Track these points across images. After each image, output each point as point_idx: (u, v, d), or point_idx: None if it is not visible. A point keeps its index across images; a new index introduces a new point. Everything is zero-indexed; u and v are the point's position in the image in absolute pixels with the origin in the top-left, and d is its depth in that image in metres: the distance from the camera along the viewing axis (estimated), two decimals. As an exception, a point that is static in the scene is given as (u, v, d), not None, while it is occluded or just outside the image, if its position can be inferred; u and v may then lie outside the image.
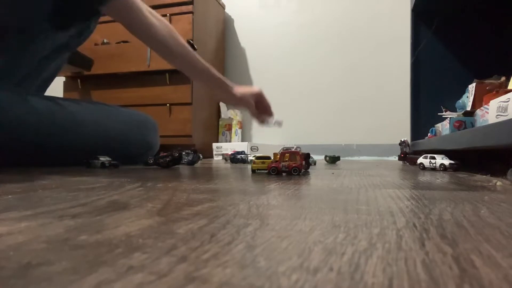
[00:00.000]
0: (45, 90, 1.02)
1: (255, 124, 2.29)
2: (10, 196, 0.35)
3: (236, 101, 0.92)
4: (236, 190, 0.42)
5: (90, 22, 0.84)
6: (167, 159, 0.90)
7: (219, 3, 2.20)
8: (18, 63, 0.85)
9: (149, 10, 0.82)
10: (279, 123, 0.95)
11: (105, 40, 1.90)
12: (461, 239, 0.19)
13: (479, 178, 0.61)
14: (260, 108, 0.94)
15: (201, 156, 1.35)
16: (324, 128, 2.12)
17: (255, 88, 0.95)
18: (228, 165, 1.16)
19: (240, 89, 0.92)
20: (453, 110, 1.10)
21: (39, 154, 0.86)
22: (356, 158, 2.02)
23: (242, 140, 2.20)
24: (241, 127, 2.24)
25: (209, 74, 0.89)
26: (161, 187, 0.44)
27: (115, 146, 0.97)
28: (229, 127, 2.15)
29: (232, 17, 2.33)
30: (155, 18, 0.82)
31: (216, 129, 2.17)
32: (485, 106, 0.75)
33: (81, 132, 0.90)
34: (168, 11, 1.81)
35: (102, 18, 2.06)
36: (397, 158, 1.45)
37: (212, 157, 1.92)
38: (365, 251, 0.17)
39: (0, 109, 0.77)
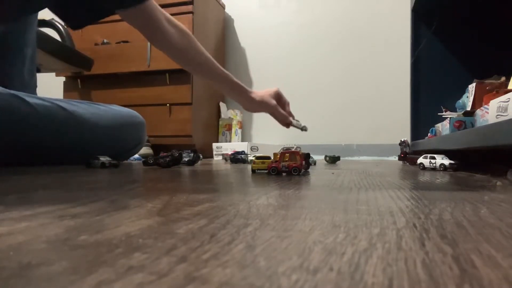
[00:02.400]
0: (34, 71, 1.06)
1: (255, 124, 2.29)
2: (10, 196, 0.35)
3: (257, 105, 0.89)
4: (236, 190, 0.42)
5: None
6: (167, 159, 0.90)
7: (219, 3, 2.20)
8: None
9: (168, 18, 0.80)
10: (304, 128, 0.91)
11: (105, 40, 1.90)
12: (461, 239, 0.19)
13: (479, 178, 0.61)
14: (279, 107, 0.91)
15: (201, 156, 1.35)
16: (324, 128, 2.12)
17: (272, 89, 0.92)
18: (228, 165, 1.16)
19: (258, 93, 0.90)
20: (453, 110, 1.10)
21: (38, 154, 0.88)
22: (356, 158, 2.02)
23: (242, 140, 2.20)
24: (241, 127, 2.24)
25: (228, 81, 0.88)
26: (161, 187, 0.44)
27: (110, 143, 1.02)
28: (229, 127, 2.15)
29: (232, 17, 2.33)
30: (174, 27, 0.80)
31: (216, 129, 2.16)
32: (485, 106, 0.75)
33: (79, 131, 0.94)
34: (168, 11, 1.79)
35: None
36: (397, 158, 1.45)
37: (212, 157, 1.92)
38: (365, 251, 0.17)
39: (4, 110, 0.78)
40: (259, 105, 0.89)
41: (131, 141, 1.12)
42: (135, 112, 1.15)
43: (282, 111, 0.88)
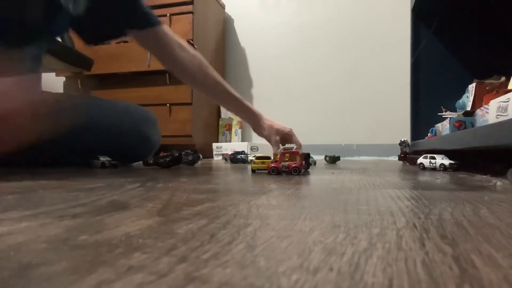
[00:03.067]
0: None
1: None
2: (10, 196, 0.35)
3: (262, 134, 0.90)
4: (236, 190, 0.42)
5: None
6: (167, 159, 0.90)
7: (219, 3, 2.20)
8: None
9: (179, 43, 0.81)
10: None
11: (105, 40, 1.90)
12: (461, 239, 0.19)
13: (479, 178, 0.60)
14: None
15: (201, 156, 1.35)
16: (324, 128, 2.12)
17: (285, 127, 0.89)
18: (228, 165, 1.16)
19: (268, 122, 0.90)
20: (453, 110, 1.10)
21: (38, 153, 0.86)
22: (356, 158, 2.02)
23: (242, 140, 2.20)
24: (241, 127, 2.24)
25: (239, 104, 0.88)
26: (161, 187, 0.44)
27: (109, 138, 0.93)
28: (229, 127, 2.15)
29: (232, 17, 2.33)
30: (184, 51, 0.81)
31: (216, 129, 2.16)
32: (485, 106, 0.75)
33: (78, 127, 0.89)
34: (168, 11, 1.81)
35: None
36: (397, 158, 1.45)
37: (212, 157, 1.92)
38: (365, 251, 0.17)
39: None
40: (263, 135, 0.91)
41: (134, 139, 0.99)
42: (144, 108, 1.04)
43: (278, 150, 0.89)
